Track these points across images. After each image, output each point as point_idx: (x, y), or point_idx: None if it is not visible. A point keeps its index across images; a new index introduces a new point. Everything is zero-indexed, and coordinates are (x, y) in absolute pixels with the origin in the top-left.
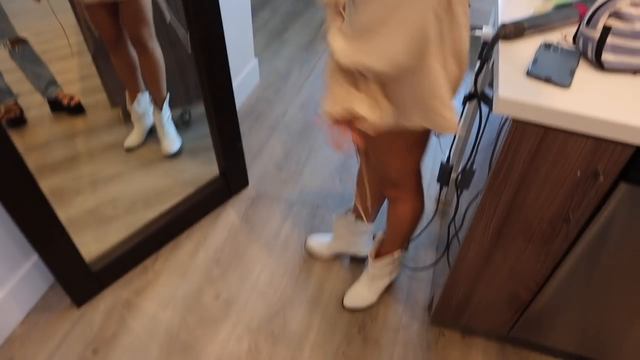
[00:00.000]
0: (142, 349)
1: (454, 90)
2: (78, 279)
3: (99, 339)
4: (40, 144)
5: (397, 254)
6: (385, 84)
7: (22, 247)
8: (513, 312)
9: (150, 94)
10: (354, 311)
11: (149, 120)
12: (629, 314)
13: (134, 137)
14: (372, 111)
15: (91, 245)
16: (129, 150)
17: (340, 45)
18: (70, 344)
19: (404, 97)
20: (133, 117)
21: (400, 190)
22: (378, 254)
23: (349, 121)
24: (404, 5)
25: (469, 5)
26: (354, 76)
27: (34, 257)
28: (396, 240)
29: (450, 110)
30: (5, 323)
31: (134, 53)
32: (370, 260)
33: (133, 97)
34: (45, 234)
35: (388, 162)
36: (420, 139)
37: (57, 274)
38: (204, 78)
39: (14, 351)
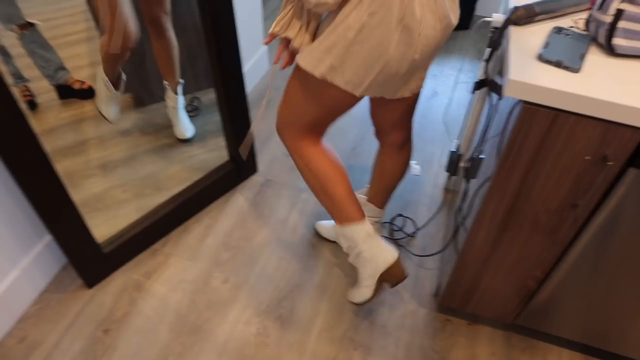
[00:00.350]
0: (152, 330)
1: (389, 66)
2: (90, 260)
3: (109, 320)
4: (50, 128)
5: (344, 225)
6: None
7: (36, 227)
8: (519, 300)
9: (165, 79)
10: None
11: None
12: (636, 302)
13: (115, 110)
14: (296, 36)
15: (102, 227)
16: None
17: None
18: (81, 324)
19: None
20: (112, 93)
21: (283, 136)
22: None
23: (283, 40)
24: None
25: None
26: (302, 9)
27: (47, 238)
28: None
29: (326, 56)
30: (19, 302)
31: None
32: None
33: (113, 76)
34: (59, 215)
35: (287, 97)
36: (316, 93)
37: (70, 254)
38: (215, 64)
39: (28, 330)
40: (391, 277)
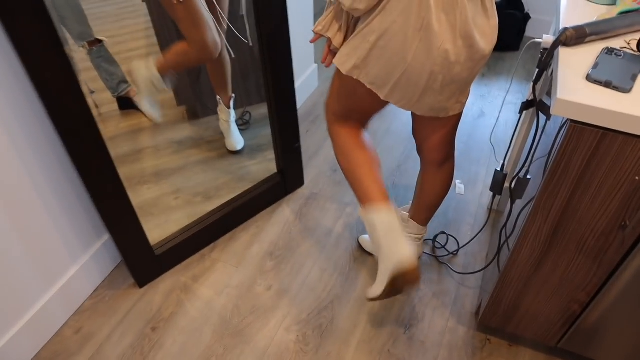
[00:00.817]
0: (196, 331)
1: (409, 74)
2: (142, 261)
3: (157, 318)
4: (110, 137)
5: (366, 207)
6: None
7: (96, 227)
8: (563, 322)
9: (217, 93)
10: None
11: None
12: None
13: (157, 108)
14: (335, 36)
15: (154, 231)
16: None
17: None
18: (132, 320)
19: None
20: (159, 90)
21: (325, 115)
22: None
23: (328, 40)
24: None
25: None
26: (341, 12)
27: (105, 237)
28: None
29: (352, 56)
30: (77, 295)
31: None
32: None
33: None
34: (119, 217)
35: (331, 89)
36: (348, 87)
37: (125, 254)
38: (269, 79)
39: (84, 321)
40: (403, 281)
